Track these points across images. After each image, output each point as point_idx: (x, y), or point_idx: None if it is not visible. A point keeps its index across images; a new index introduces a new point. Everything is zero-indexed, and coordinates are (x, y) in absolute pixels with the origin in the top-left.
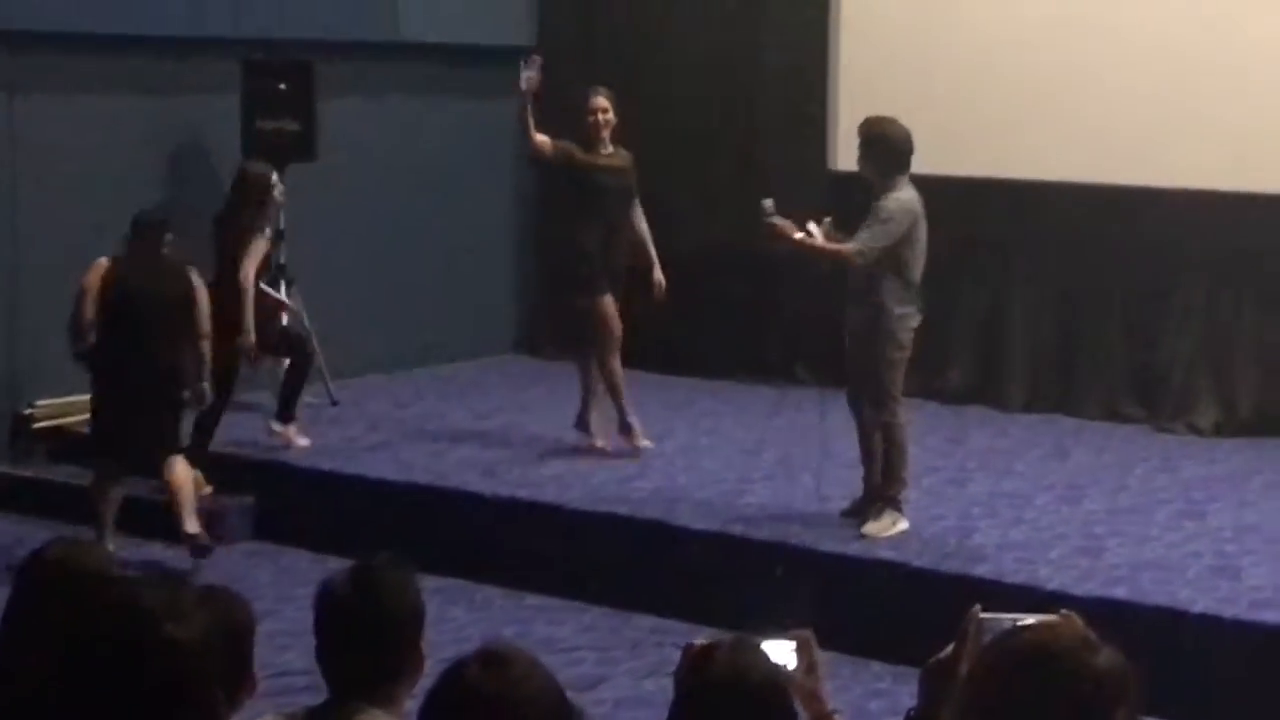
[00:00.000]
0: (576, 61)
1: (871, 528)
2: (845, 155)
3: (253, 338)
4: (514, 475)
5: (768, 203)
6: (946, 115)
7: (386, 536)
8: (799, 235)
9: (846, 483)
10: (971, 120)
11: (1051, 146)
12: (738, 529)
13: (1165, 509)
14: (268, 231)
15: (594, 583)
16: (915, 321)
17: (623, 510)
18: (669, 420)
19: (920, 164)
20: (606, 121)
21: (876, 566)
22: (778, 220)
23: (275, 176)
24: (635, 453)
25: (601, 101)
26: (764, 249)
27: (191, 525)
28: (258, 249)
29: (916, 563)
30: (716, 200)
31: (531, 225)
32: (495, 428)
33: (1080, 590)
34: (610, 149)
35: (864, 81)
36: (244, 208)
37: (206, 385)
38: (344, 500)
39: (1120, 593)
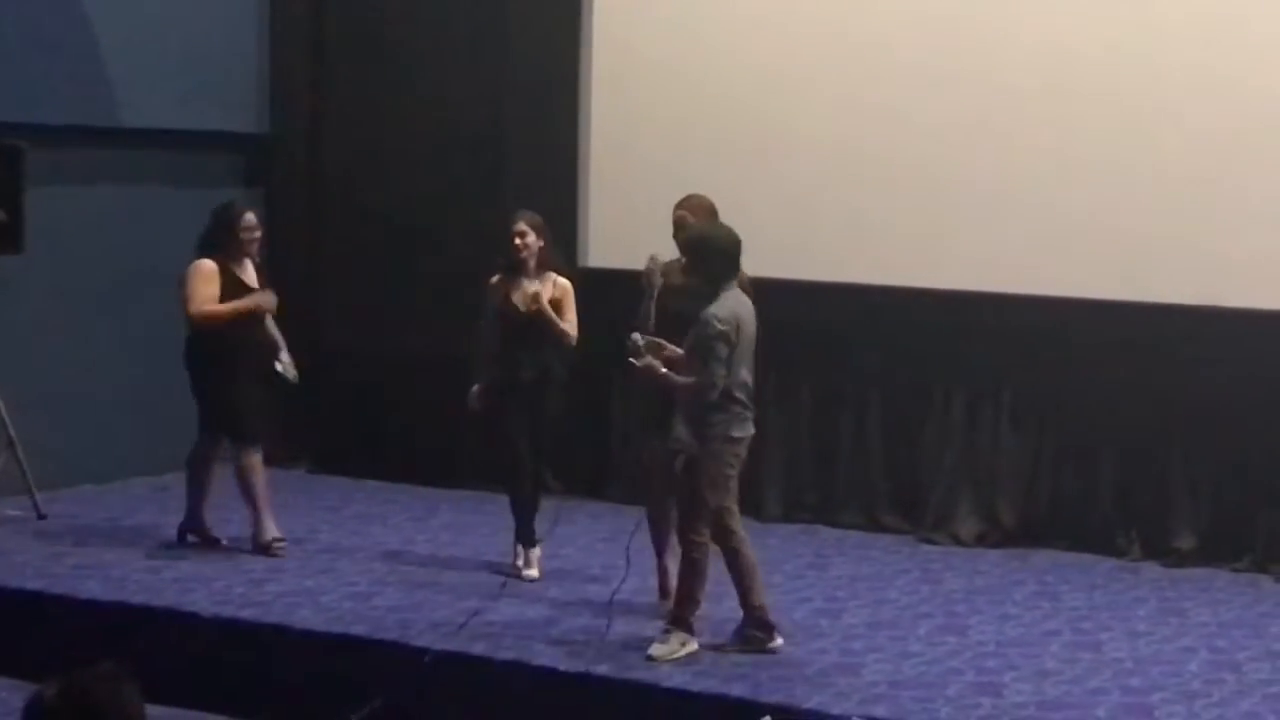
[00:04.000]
0: (309, 148)
1: (658, 650)
2: (596, 252)
3: None
4: (238, 594)
5: (636, 337)
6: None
7: (97, 662)
8: (662, 371)
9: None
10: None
11: (802, 244)
12: (479, 648)
13: (926, 622)
14: None
15: (328, 711)
16: (741, 432)
17: (359, 630)
18: (426, 530)
19: None
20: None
21: (627, 688)
22: (647, 361)
23: None
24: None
25: (685, 218)
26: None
27: None
28: None
29: (667, 684)
30: (459, 298)
31: None
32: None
33: (839, 709)
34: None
35: (615, 177)
36: None
37: None
38: (50, 623)
39: (880, 711)
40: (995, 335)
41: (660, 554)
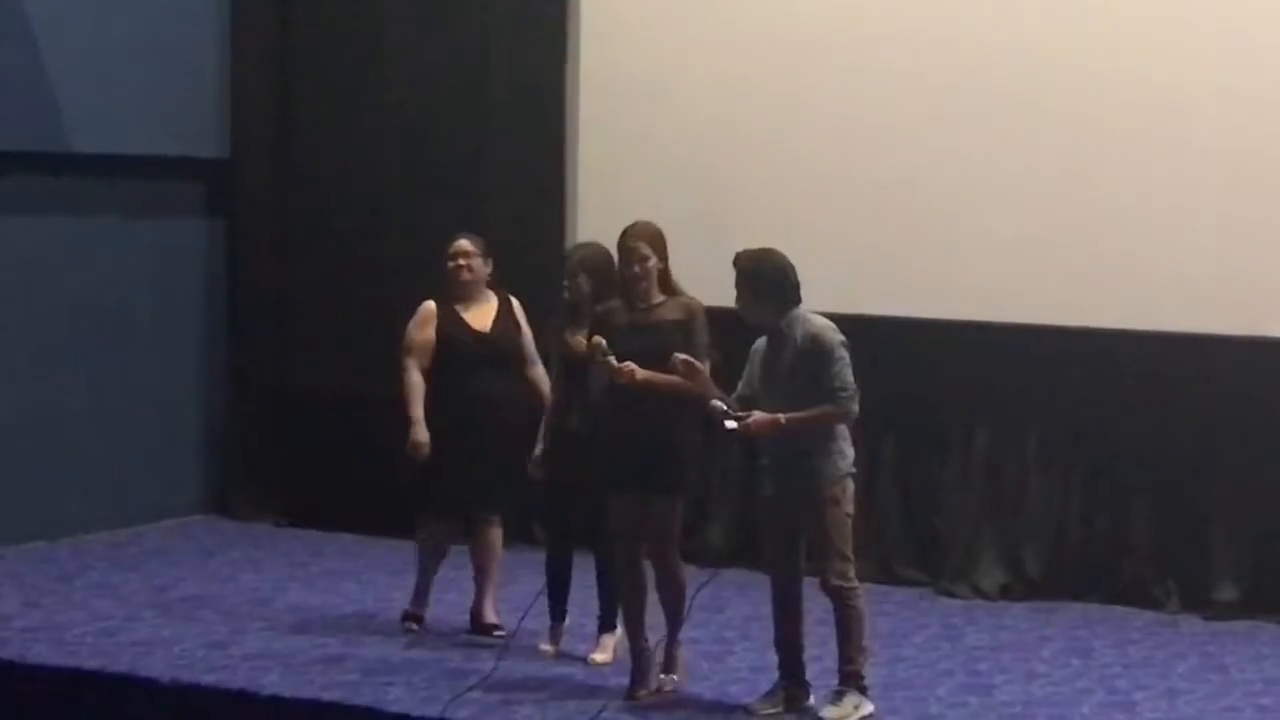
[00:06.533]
0: (273, 174)
1: (832, 712)
2: None
3: None
4: (199, 658)
5: (718, 404)
6: (690, 243)
7: None
8: (782, 417)
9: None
10: (713, 251)
11: (804, 272)
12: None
13: (947, 682)
14: None
15: None
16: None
17: (331, 696)
18: (402, 587)
19: None
20: (645, 271)
21: None
22: (756, 417)
23: None
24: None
25: (640, 248)
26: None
27: None
28: None
29: None
30: None
31: (222, 365)
32: (180, 601)
33: None
34: (658, 299)
35: (601, 202)
36: None
37: None
38: None
39: None
40: (1019, 369)
41: (634, 634)
